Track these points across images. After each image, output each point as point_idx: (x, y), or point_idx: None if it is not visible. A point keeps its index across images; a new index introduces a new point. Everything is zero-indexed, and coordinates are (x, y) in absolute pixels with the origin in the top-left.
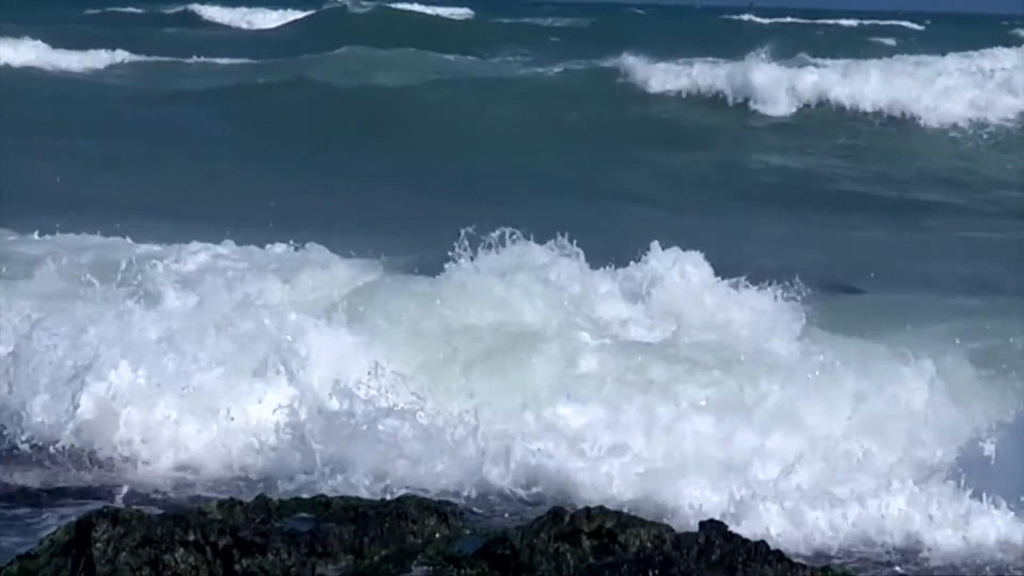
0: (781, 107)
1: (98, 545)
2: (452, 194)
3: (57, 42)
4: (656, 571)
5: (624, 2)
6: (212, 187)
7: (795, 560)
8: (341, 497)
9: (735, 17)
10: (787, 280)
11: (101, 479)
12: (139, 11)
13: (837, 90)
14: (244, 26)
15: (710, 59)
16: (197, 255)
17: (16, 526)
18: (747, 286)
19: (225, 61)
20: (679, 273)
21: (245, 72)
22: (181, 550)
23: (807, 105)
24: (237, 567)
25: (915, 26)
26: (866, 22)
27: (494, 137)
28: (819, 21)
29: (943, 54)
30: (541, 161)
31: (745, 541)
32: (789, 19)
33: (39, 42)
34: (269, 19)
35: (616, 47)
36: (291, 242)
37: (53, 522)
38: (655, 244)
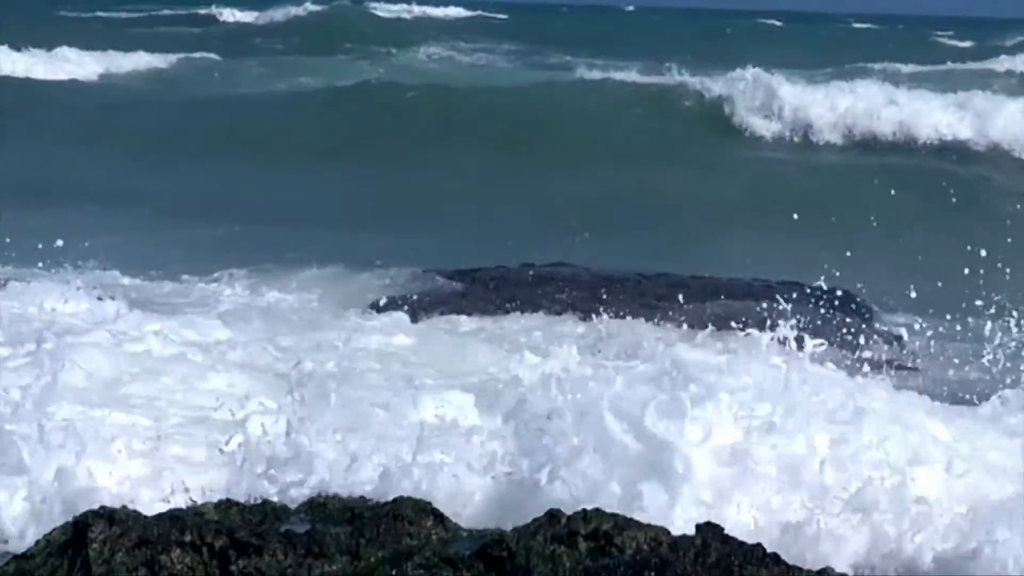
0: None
1: (94, 546)
2: None
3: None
4: (652, 574)
5: (622, 4)
6: None
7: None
8: (338, 498)
9: (767, 21)
10: None
11: None
12: (133, 15)
13: None
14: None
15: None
16: None
17: None
18: None
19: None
20: None
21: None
22: (177, 551)
23: None
24: (233, 568)
25: (942, 30)
26: (880, 27)
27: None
28: (838, 25)
29: None
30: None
31: (742, 544)
32: (795, 24)
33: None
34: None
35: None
36: None
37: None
38: None
